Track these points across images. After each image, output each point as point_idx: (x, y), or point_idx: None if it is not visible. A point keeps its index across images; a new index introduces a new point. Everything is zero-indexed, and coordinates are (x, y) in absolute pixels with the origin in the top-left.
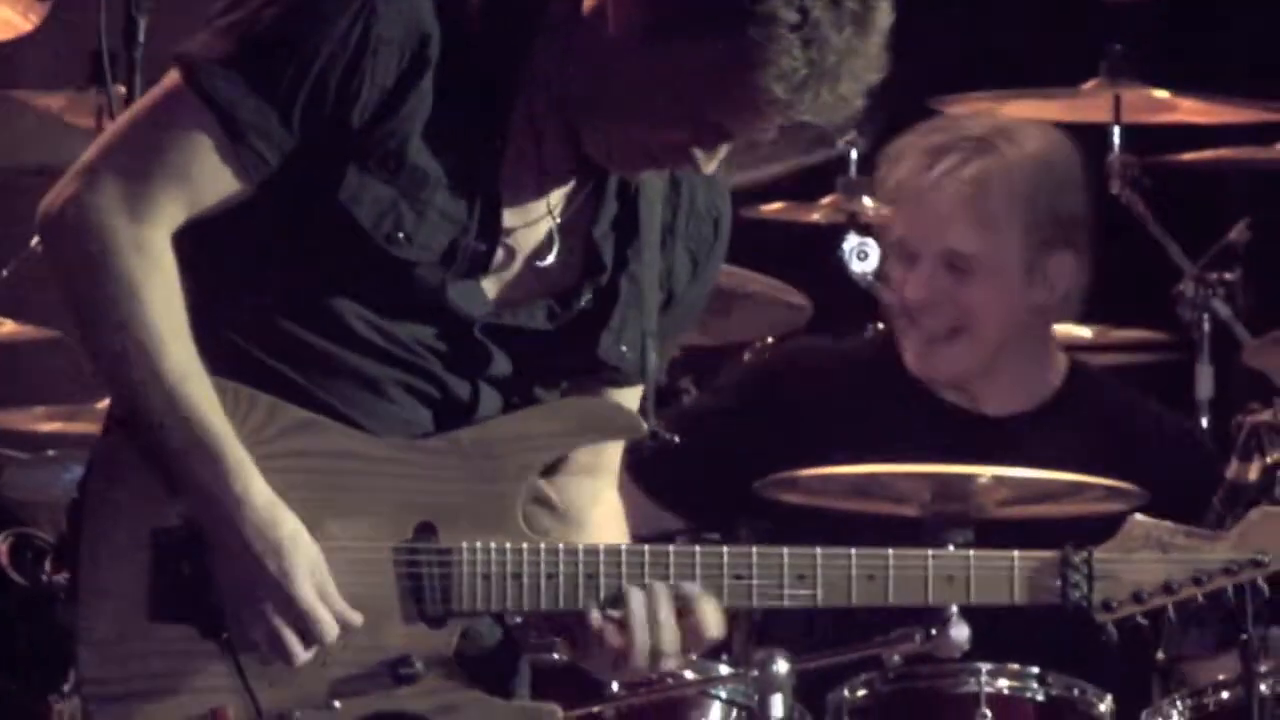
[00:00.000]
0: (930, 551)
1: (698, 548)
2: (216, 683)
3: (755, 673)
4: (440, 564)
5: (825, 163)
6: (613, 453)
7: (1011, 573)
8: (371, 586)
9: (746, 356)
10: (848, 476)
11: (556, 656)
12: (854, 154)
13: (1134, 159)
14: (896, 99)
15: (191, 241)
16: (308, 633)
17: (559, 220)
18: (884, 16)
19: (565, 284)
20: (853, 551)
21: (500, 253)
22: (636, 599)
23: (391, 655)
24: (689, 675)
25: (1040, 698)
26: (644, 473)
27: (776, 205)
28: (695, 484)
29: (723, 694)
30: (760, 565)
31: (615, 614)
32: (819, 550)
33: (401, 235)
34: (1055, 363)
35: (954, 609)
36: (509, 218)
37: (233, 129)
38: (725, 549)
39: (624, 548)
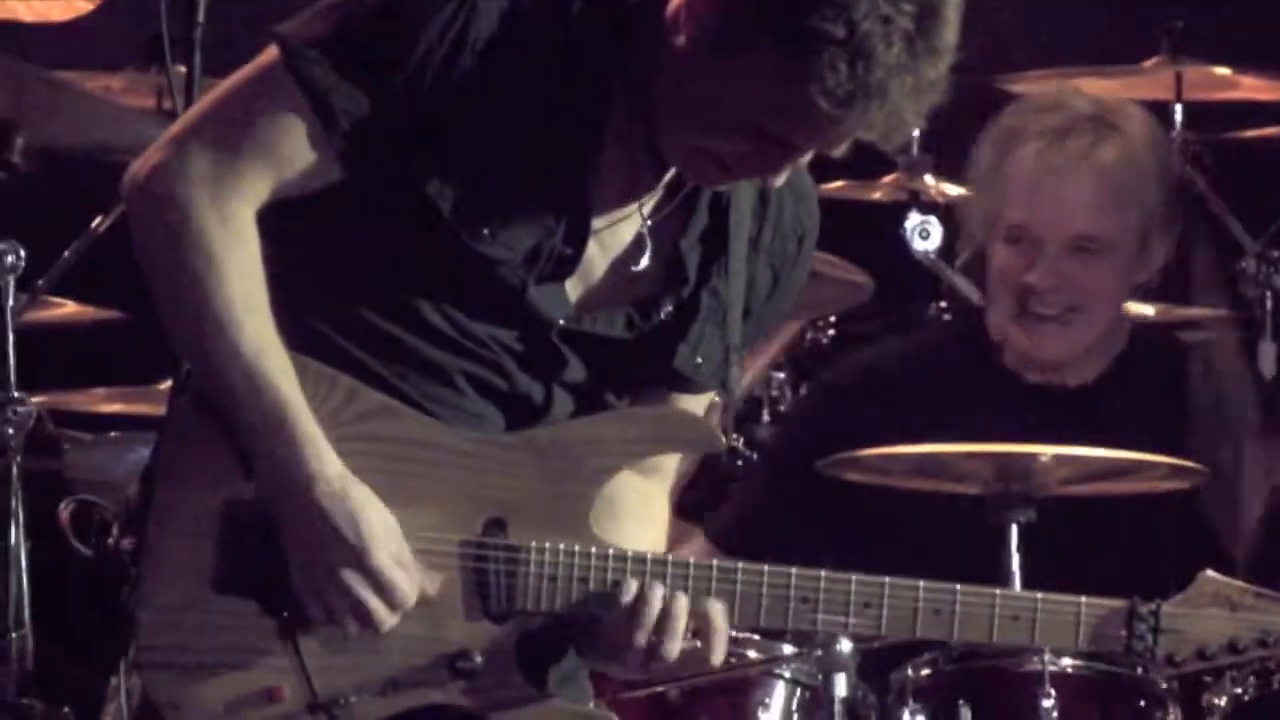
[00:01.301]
0: (998, 591)
1: (766, 567)
2: (273, 662)
3: (819, 652)
4: (508, 561)
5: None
6: (672, 456)
7: (1077, 619)
8: (437, 576)
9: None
10: (910, 455)
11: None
12: (915, 131)
13: (1195, 136)
14: (958, 76)
15: (278, 221)
16: (388, 598)
17: (649, 225)
18: (944, 37)
19: (647, 294)
20: (921, 584)
21: (593, 257)
22: (655, 596)
23: (451, 648)
24: (753, 655)
25: (1102, 676)
26: (717, 533)
27: (838, 183)
28: (772, 544)
29: (787, 673)
30: (826, 590)
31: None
32: (887, 581)
33: (487, 232)
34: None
35: (1017, 587)
36: (597, 223)
37: (325, 113)
38: (793, 570)
39: (692, 562)
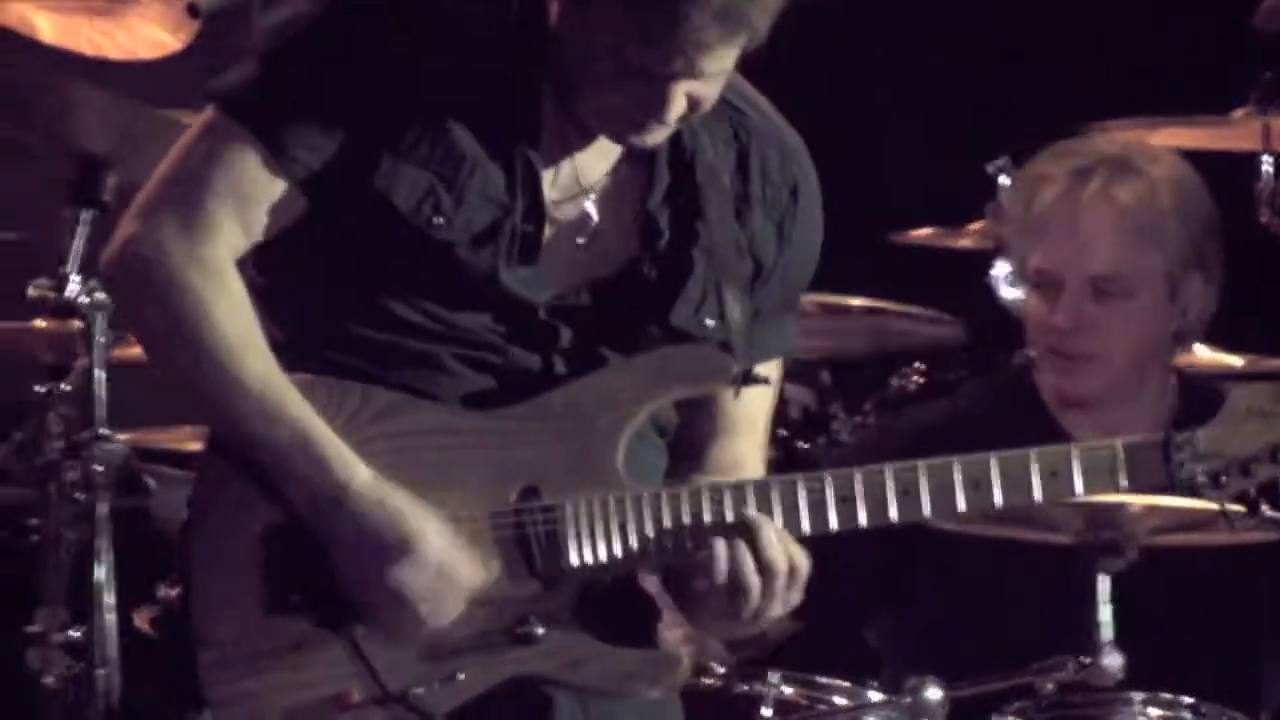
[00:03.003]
0: (1033, 450)
1: (800, 476)
2: (338, 670)
3: (908, 700)
4: (545, 521)
5: (974, 189)
6: (749, 410)
7: (1115, 461)
8: (480, 555)
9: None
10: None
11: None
12: (1004, 179)
13: None
14: (1046, 126)
15: (256, 253)
16: (448, 587)
17: (594, 196)
18: None
19: (626, 258)
20: (955, 459)
21: (548, 233)
22: (719, 543)
23: (509, 620)
24: (840, 701)
25: None
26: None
27: (926, 231)
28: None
29: None
30: (866, 484)
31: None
32: (921, 463)
33: (440, 220)
34: (1171, 383)
35: (1108, 637)
36: (552, 197)
37: (274, 143)
38: (828, 474)
39: (726, 484)
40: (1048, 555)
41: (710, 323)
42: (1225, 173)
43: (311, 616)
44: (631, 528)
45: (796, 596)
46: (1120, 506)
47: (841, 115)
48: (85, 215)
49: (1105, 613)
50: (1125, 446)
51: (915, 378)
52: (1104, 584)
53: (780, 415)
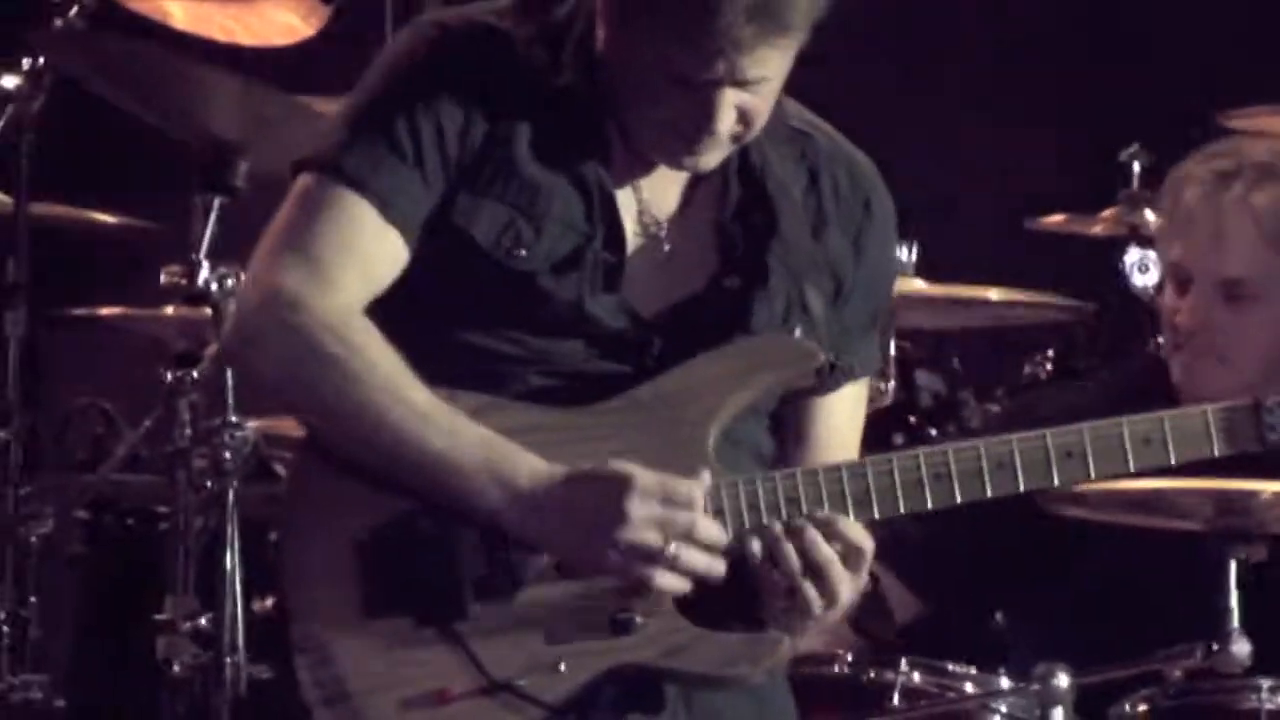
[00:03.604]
0: (1124, 419)
1: (893, 455)
2: (437, 667)
3: (1036, 687)
4: None
5: (1108, 175)
6: (840, 432)
7: (1207, 426)
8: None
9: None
10: (1131, 491)
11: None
12: (1137, 166)
13: None
14: (1182, 112)
15: None
16: (681, 503)
17: (669, 220)
18: None
19: (706, 275)
20: (1047, 432)
21: (629, 259)
22: (787, 549)
23: (607, 609)
24: (969, 689)
25: None
26: (903, 562)
27: (1059, 217)
28: (956, 568)
29: (1003, 708)
30: (958, 460)
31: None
32: (1014, 438)
33: (522, 251)
34: None
35: (1236, 624)
36: (628, 225)
37: (377, 196)
38: (921, 450)
39: (821, 469)
40: (1177, 542)
41: (794, 325)
42: None
43: (407, 616)
44: (727, 515)
45: (859, 583)
46: (1251, 494)
47: (976, 102)
48: (217, 202)
49: (1234, 599)
50: (1215, 410)
51: (1046, 364)
52: (1232, 571)
53: (911, 402)
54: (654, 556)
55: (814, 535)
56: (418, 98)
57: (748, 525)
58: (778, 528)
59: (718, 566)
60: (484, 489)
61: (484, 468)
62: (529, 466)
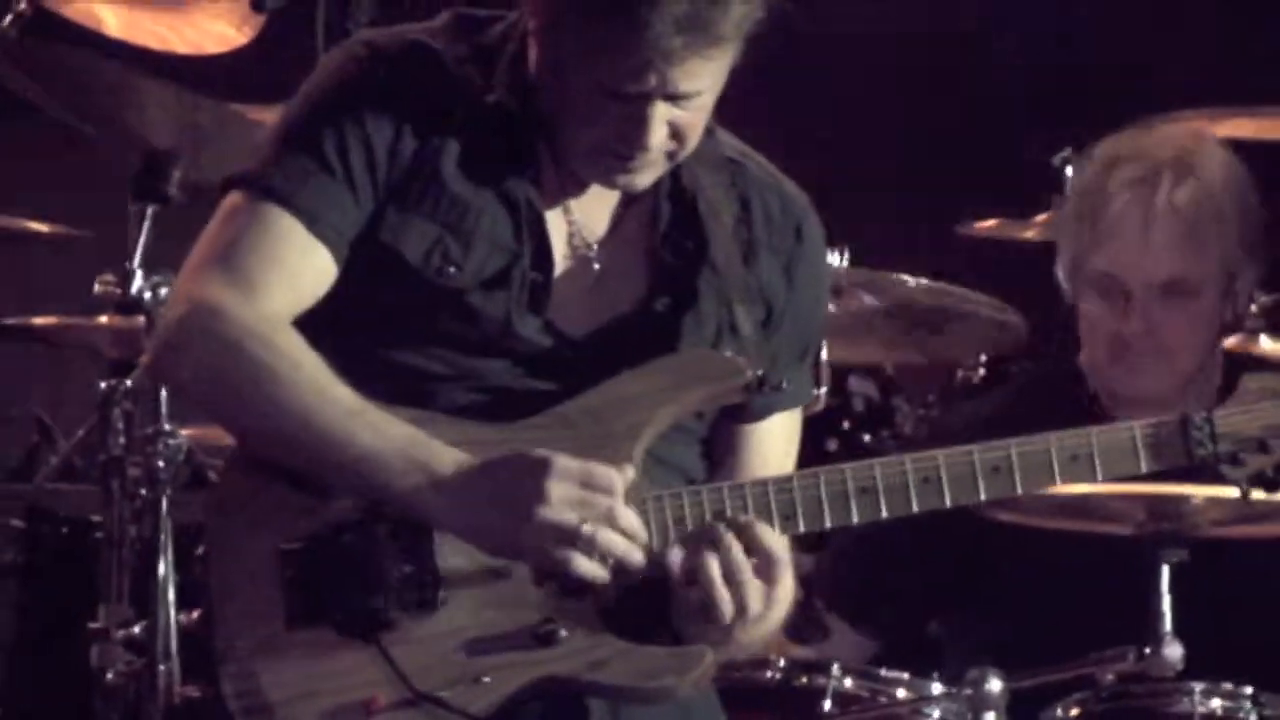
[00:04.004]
0: (1052, 435)
1: (821, 470)
2: (363, 677)
3: (968, 691)
4: None
5: (1039, 181)
6: (769, 450)
7: (1135, 443)
8: (502, 560)
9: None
10: (1062, 496)
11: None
12: (1069, 171)
13: None
14: (1110, 117)
15: None
16: (598, 486)
17: (598, 241)
18: None
19: (636, 296)
20: (975, 447)
21: (557, 280)
22: (706, 554)
23: (532, 621)
24: (901, 694)
25: (1254, 718)
26: (826, 588)
27: (990, 223)
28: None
29: (936, 713)
30: (884, 476)
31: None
32: (940, 453)
33: (451, 268)
34: (1216, 373)
35: (1168, 628)
36: (557, 245)
37: (306, 212)
38: (847, 466)
39: (747, 483)
40: (1108, 547)
41: (723, 346)
42: None
43: (332, 626)
44: (652, 529)
45: (777, 597)
46: (1181, 498)
47: (907, 108)
48: (151, 210)
49: (1165, 603)
50: (1142, 427)
51: (978, 370)
52: (1164, 575)
53: (844, 409)
54: (572, 537)
55: (730, 541)
56: (347, 115)
57: (673, 539)
58: (697, 534)
59: (635, 555)
60: (409, 481)
61: (408, 460)
62: (451, 456)
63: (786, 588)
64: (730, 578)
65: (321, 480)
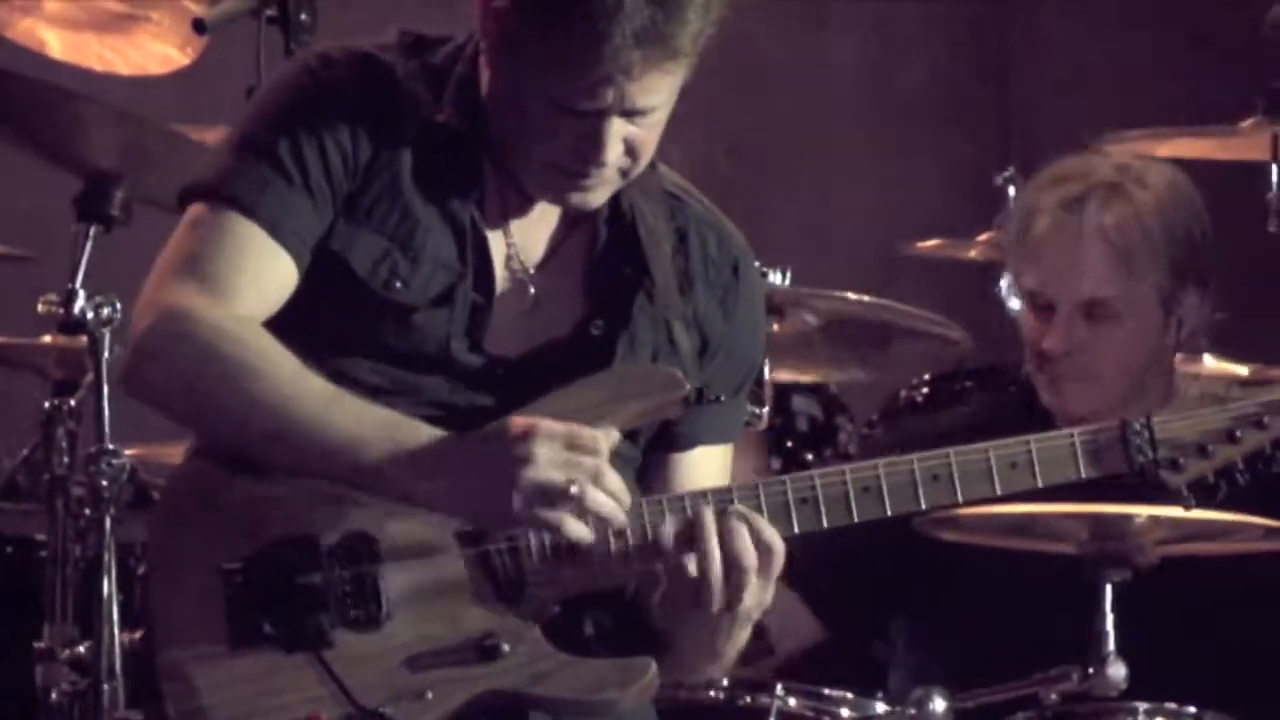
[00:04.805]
0: (991, 444)
1: (760, 481)
2: (305, 694)
3: (912, 711)
4: (507, 539)
5: (984, 199)
6: (700, 481)
7: (1074, 449)
8: (445, 573)
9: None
10: (1006, 515)
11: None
12: (1012, 190)
13: None
14: (1055, 137)
15: None
16: (578, 446)
17: (537, 264)
18: None
19: (574, 320)
20: (915, 456)
21: (497, 302)
22: (707, 520)
23: (474, 635)
24: (845, 713)
25: None
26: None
27: (935, 241)
28: (855, 590)
29: None
30: (824, 486)
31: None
32: (880, 461)
33: (398, 283)
34: (1178, 386)
35: (1111, 648)
36: (499, 265)
37: (267, 219)
38: (788, 477)
39: (686, 494)
40: (1052, 566)
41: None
42: (1236, 183)
43: (281, 642)
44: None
45: (764, 595)
46: (1125, 518)
47: (849, 127)
48: (93, 231)
49: (1109, 623)
50: (1081, 434)
51: (921, 389)
52: (1108, 594)
53: (787, 427)
54: (560, 496)
55: (738, 525)
56: (302, 124)
57: (610, 551)
58: (706, 512)
59: (620, 516)
60: (392, 460)
61: (390, 441)
62: (431, 432)
63: (770, 592)
64: (732, 560)
65: (301, 472)
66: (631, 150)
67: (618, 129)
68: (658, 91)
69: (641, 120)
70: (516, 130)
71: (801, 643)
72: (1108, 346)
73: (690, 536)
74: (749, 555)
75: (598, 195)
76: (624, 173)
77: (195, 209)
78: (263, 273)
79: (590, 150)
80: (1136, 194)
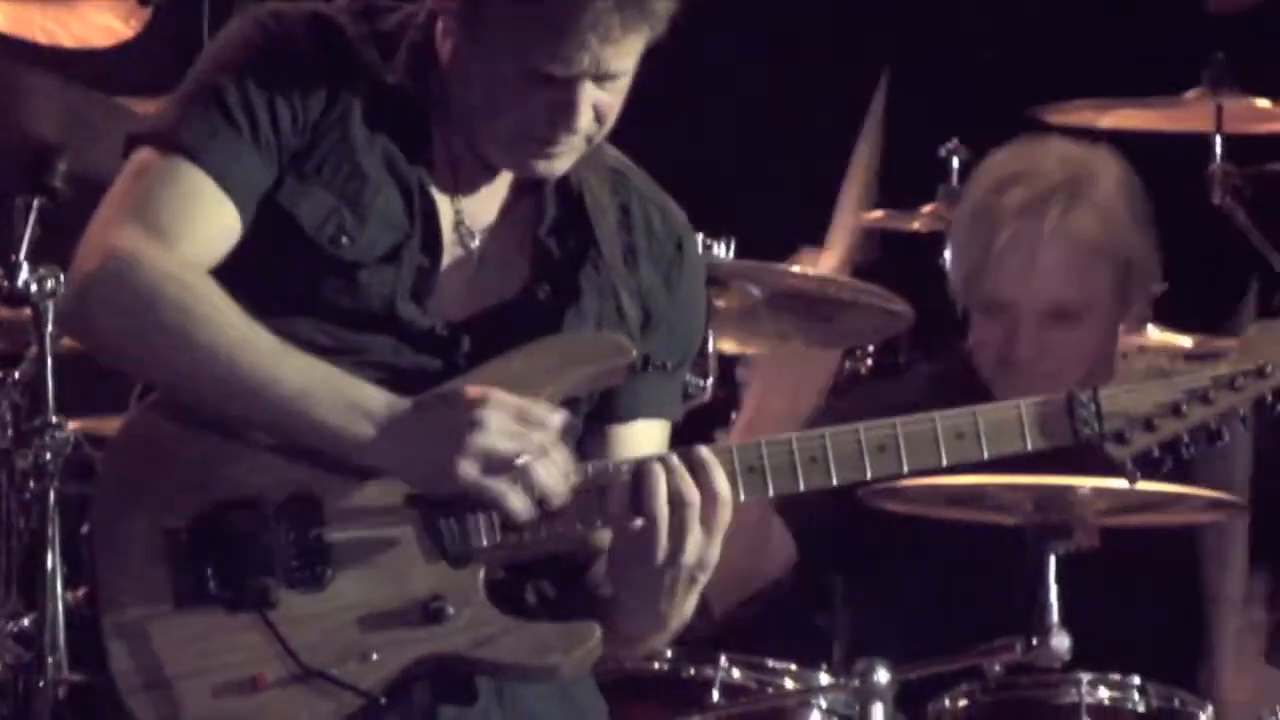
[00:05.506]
0: (937, 413)
1: (702, 447)
2: (250, 655)
3: (856, 682)
4: (452, 502)
5: (926, 171)
6: (646, 441)
7: (1020, 420)
8: (391, 535)
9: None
10: (951, 486)
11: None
12: (955, 162)
13: (1235, 169)
14: (997, 108)
15: None
16: (526, 419)
17: (484, 232)
18: None
19: (519, 285)
20: (860, 426)
21: (443, 266)
22: (653, 463)
23: (420, 598)
24: (789, 684)
25: (1141, 708)
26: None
27: (878, 214)
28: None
29: (823, 703)
30: (771, 454)
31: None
32: (827, 430)
33: (345, 239)
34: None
35: (1055, 619)
36: (446, 230)
37: (214, 167)
38: (735, 445)
39: (626, 460)
40: (996, 538)
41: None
42: (1178, 155)
43: (220, 605)
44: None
45: (711, 547)
46: (1069, 489)
47: (791, 96)
48: (36, 203)
49: (1052, 594)
50: (1028, 405)
51: (866, 360)
52: (1051, 565)
53: (731, 399)
54: (506, 465)
55: (680, 463)
56: (253, 77)
57: (557, 515)
58: (652, 458)
59: (561, 495)
60: (340, 415)
61: (339, 395)
62: (378, 391)
63: (715, 551)
64: (676, 502)
65: (246, 423)
66: (600, 116)
67: (589, 94)
68: (630, 55)
69: (610, 85)
70: (484, 100)
71: (772, 566)
72: (1072, 347)
73: (638, 485)
74: (691, 491)
75: (563, 162)
76: (589, 139)
77: (143, 155)
78: (209, 221)
79: (562, 117)
80: (1091, 194)
